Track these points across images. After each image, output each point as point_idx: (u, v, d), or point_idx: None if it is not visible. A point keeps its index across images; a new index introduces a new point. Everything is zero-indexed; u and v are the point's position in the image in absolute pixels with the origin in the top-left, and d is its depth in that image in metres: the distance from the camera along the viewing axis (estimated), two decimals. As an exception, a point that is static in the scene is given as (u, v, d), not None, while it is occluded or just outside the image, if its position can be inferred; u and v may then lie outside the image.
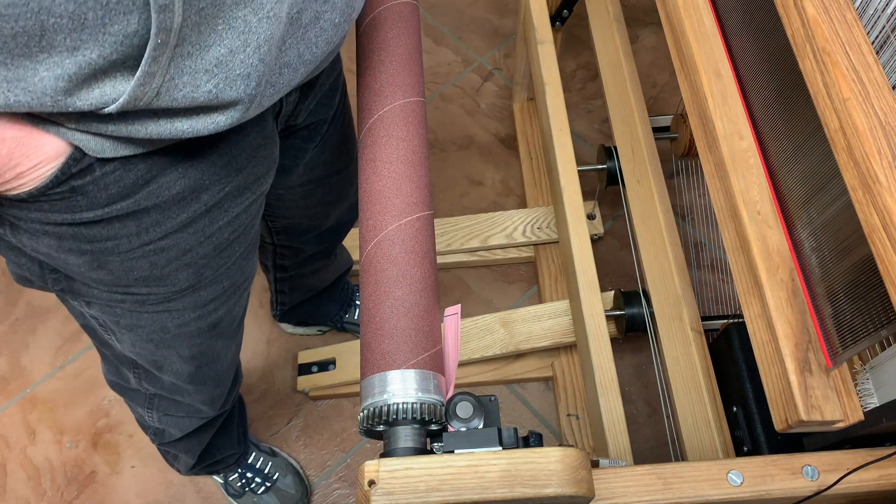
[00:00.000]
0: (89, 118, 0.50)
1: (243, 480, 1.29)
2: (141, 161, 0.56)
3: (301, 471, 1.34)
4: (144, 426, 1.08)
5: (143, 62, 0.45)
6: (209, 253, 0.68)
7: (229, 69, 0.49)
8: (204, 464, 1.18)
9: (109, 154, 0.53)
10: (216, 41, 0.48)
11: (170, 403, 0.96)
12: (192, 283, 0.70)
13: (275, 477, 1.30)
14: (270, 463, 1.31)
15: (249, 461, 1.29)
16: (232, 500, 1.32)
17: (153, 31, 0.44)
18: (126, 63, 0.46)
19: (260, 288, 1.51)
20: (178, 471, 1.24)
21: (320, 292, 1.32)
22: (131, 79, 0.47)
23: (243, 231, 0.71)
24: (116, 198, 0.57)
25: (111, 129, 0.51)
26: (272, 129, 0.70)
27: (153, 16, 0.43)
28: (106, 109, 0.48)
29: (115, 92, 0.47)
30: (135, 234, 0.61)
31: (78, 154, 0.52)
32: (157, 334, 0.75)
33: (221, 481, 1.31)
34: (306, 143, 0.85)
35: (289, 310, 1.35)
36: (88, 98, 0.47)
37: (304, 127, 0.82)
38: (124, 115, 0.50)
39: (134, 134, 0.52)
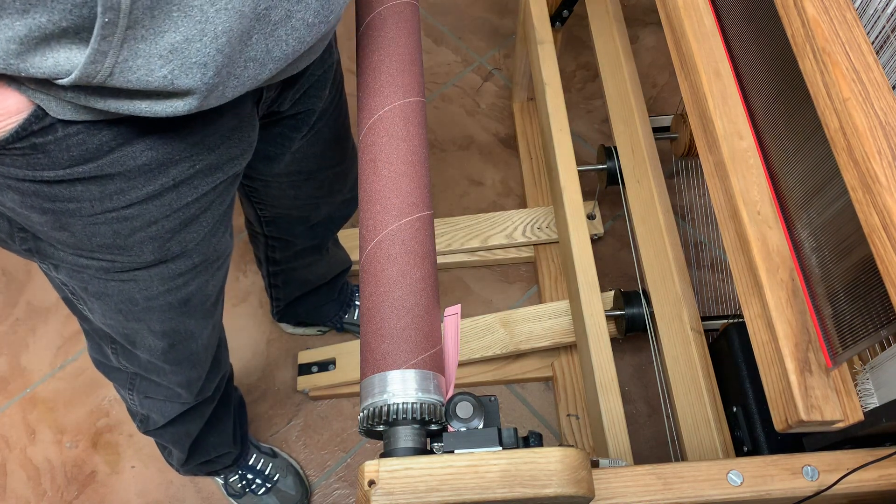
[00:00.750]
0: (48, 83, 0.51)
1: (244, 482, 1.29)
2: (106, 128, 0.56)
3: (301, 472, 1.34)
4: (132, 413, 1.08)
5: (92, 40, 0.47)
6: (175, 227, 0.69)
7: (185, 57, 0.50)
8: (198, 461, 1.18)
9: (70, 117, 0.54)
10: (171, 27, 0.48)
11: (149, 385, 0.95)
12: (158, 257, 0.71)
13: (275, 478, 1.30)
14: (271, 464, 1.30)
15: (250, 462, 1.29)
16: (232, 501, 1.32)
17: (99, 9, 0.45)
18: (79, 35, 0.47)
19: (260, 288, 1.51)
20: (177, 470, 1.24)
21: (317, 289, 1.32)
22: (83, 49, 0.48)
23: (211, 207, 0.71)
24: (79, 160, 0.57)
25: (69, 95, 0.52)
26: (251, 113, 0.70)
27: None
28: (59, 81, 0.49)
29: (69, 64, 0.48)
30: (98, 200, 0.61)
31: (40, 112, 0.53)
32: (126, 305, 0.76)
33: (222, 482, 1.31)
34: (293, 132, 0.85)
35: (286, 307, 1.35)
36: (41, 66, 0.48)
37: (291, 115, 0.83)
38: (81, 86, 0.51)
39: (92, 104, 0.53)
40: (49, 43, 0.47)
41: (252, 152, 0.74)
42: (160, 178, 0.63)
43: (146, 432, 1.08)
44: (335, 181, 1.02)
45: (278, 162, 0.90)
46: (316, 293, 1.33)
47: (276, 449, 1.35)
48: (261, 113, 0.75)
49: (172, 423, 1.04)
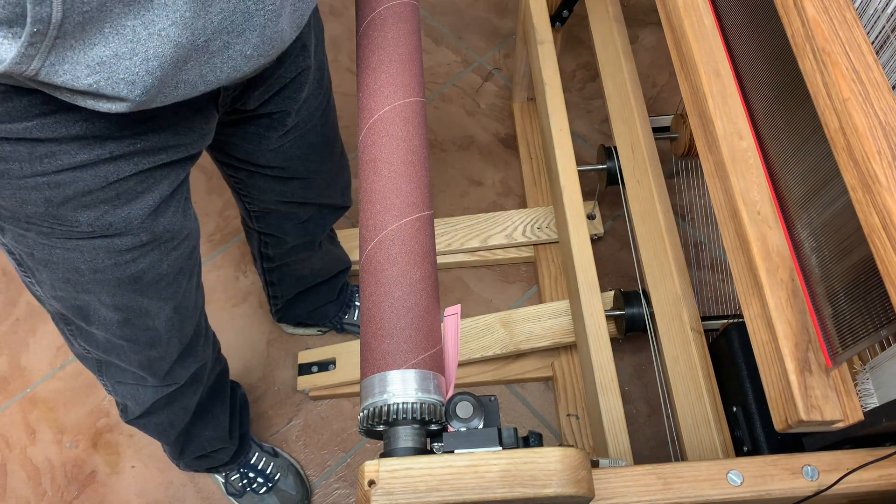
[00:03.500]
0: None
1: (245, 480, 1.29)
2: (38, 91, 0.57)
3: (302, 472, 1.34)
4: (115, 401, 1.07)
5: (19, 44, 0.48)
6: (112, 199, 0.68)
7: (112, 71, 0.52)
8: (194, 455, 1.18)
9: None
10: (101, 42, 0.50)
11: (115, 369, 0.94)
12: (98, 230, 0.70)
13: (276, 477, 1.30)
14: (272, 463, 1.30)
15: (252, 461, 1.29)
16: (232, 500, 1.32)
17: (28, 19, 0.46)
18: (12, 28, 0.48)
19: (260, 288, 1.51)
20: (176, 465, 1.24)
21: (315, 287, 1.32)
22: (14, 44, 0.49)
23: (157, 186, 0.71)
24: (5, 118, 0.58)
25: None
26: (208, 108, 0.72)
27: (28, 6, 0.46)
28: None
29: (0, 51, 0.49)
30: (27, 161, 0.61)
31: None
32: (72, 274, 0.75)
33: (222, 480, 1.31)
34: (268, 131, 0.86)
35: (285, 307, 1.35)
36: None
37: (265, 115, 0.83)
38: None
39: (22, 84, 0.54)
40: None
41: (206, 142, 0.75)
42: (95, 148, 0.63)
43: (128, 422, 1.07)
44: (324, 186, 1.03)
45: (257, 157, 0.91)
46: (314, 292, 1.33)
47: (278, 449, 1.35)
48: (223, 109, 0.76)
49: (151, 413, 1.03)
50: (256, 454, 1.30)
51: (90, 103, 0.55)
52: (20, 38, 0.48)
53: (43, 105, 0.58)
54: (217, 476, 1.32)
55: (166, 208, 0.75)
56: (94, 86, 0.52)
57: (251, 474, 1.29)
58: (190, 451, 1.17)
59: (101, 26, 0.49)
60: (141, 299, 0.82)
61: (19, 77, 0.51)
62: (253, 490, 1.30)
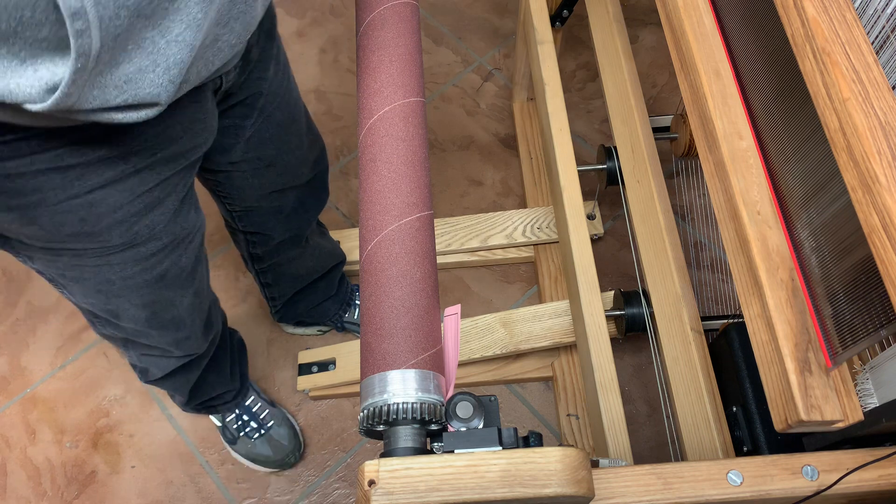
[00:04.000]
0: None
1: (239, 422, 1.33)
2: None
3: (297, 428, 1.37)
4: (132, 365, 1.13)
5: (62, 84, 0.48)
6: (141, 210, 0.71)
7: (138, 87, 0.53)
8: (198, 400, 1.24)
9: (29, 123, 0.56)
10: (125, 60, 0.51)
11: (140, 346, 1.00)
12: (128, 240, 0.73)
13: (269, 425, 1.33)
14: (268, 410, 1.35)
15: (247, 403, 1.33)
16: (228, 447, 1.36)
17: (72, 55, 0.46)
18: (59, 51, 0.48)
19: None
20: (181, 408, 1.30)
21: (312, 284, 1.32)
22: (58, 78, 0.49)
23: (176, 190, 0.75)
24: (38, 150, 0.59)
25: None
26: (211, 103, 0.74)
27: (71, 41, 0.45)
28: (28, 106, 0.50)
29: (39, 96, 0.49)
30: (60, 188, 0.63)
31: None
32: (104, 286, 0.79)
33: (219, 424, 1.35)
34: (243, 119, 0.87)
35: (284, 307, 1.36)
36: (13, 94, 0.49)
37: (241, 102, 0.85)
38: None
39: (54, 125, 0.56)
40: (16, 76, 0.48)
41: (213, 137, 0.78)
42: (120, 164, 0.65)
43: (147, 382, 1.13)
44: (298, 165, 1.04)
45: (234, 151, 0.92)
46: (312, 289, 1.33)
47: (277, 403, 1.39)
48: (218, 100, 0.78)
49: (170, 376, 1.10)
50: (253, 398, 1.34)
51: (118, 117, 0.55)
52: (63, 76, 0.48)
53: (71, 134, 0.60)
54: (214, 419, 1.36)
55: (182, 208, 0.78)
56: (123, 104, 0.53)
57: (245, 417, 1.33)
58: (198, 397, 1.23)
59: (126, 44, 0.50)
60: (166, 293, 0.86)
61: (55, 112, 0.51)
62: (246, 434, 1.33)
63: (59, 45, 0.48)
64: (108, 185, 0.66)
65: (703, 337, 1.01)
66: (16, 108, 0.51)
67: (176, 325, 0.95)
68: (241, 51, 0.68)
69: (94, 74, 0.50)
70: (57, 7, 0.45)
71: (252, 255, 1.21)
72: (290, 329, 1.47)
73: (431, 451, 0.55)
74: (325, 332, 1.47)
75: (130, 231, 0.72)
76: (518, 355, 1.36)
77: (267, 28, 0.83)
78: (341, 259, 1.37)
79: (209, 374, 1.19)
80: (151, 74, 0.53)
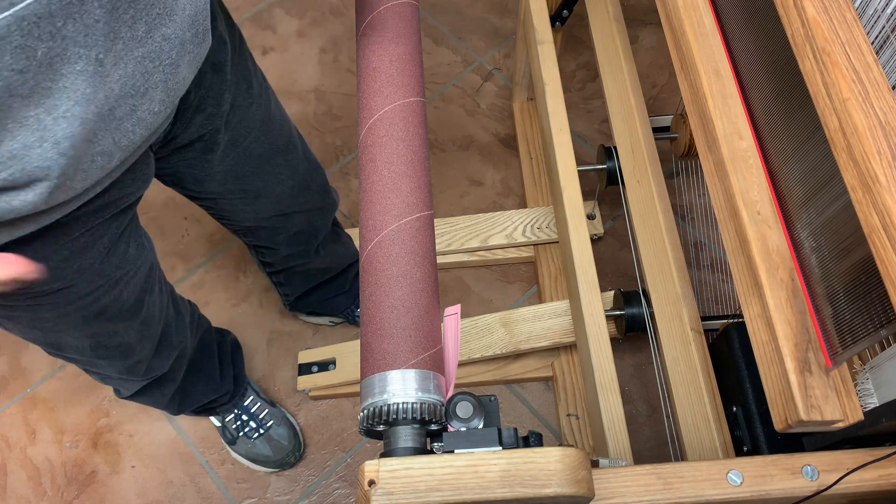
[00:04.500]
0: None
1: (238, 423, 1.33)
2: None
3: (297, 427, 1.37)
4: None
5: None
6: (67, 256, 0.69)
7: (25, 162, 0.51)
8: (190, 408, 1.23)
9: None
10: (7, 137, 0.49)
11: (97, 374, 0.99)
12: (57, 285, 0.71)
13: (268, 425, 1.33)
14: (267, 410, 1.34)
15: (246, 403, 1.33)
16: (227, 447, 1.35)
17: None
18: None
19: (260, 288, 1.51)
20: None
21: (326, 282, 1.33)
22: None
23: (107, 234, 0.72)
24: None
25: None
26: (145, 154, 0.72)
27: None
28: None
29: None
30: None
31: None
32: (38, 322, 0.77)
33: (219, 424, 1.35)
34: (207, 153, 0.84)
35: (296, 300, 1.37)
36: None
37: (195, 140, 0.81)
38: None
39: None
40: None
41: (149, 182, 0.75)
42: (44, 219, 0.62)
43: (122, 398, 1.12)
44: (297, 194, 1.01)
45: (208, 182, 0.89)
46: (324, 287, 1.34)
47: (277, 403, 1.39)
48: (155, 147, 0.76)
49: (143, 393, 1.08)
50: (252, 397, 1.34)
51: (6, 200, 0.54)
52: None
53: None
54: (214, 419, 1.36)
55: (117, 249, 0.75)
56: (10, 179, 0.52)
57: (244, 417, 1.32)
58: (186, 406, 1.22)
59: (4, 123, 0.49)
60: (108, 326, 0.84)
61: None
62: (245, 435, 1.33)
63: None
64: (30, 237, 0.63)
65: (703, 337, 1.01)
66: None
67: (124, 353, 0.92)
68: (172, 112, 0.66)
69: None
70: None
71: (262, 262, 1.21)
72: (304, 317, 1.48)
73: (431, 451, 0.55)
74: (336, 323, 1.48)
75: (58, 275, 0.70)
76: (518, 355, 1.36)
77: (216, 62, 0.78)
78: (356, 258, 1.37)
79: (196, 384, 1.18)
80: (38, 149, 0.51)
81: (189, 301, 1.11)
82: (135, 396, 1.09)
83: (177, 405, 1.19)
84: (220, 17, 0.78)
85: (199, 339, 1.14)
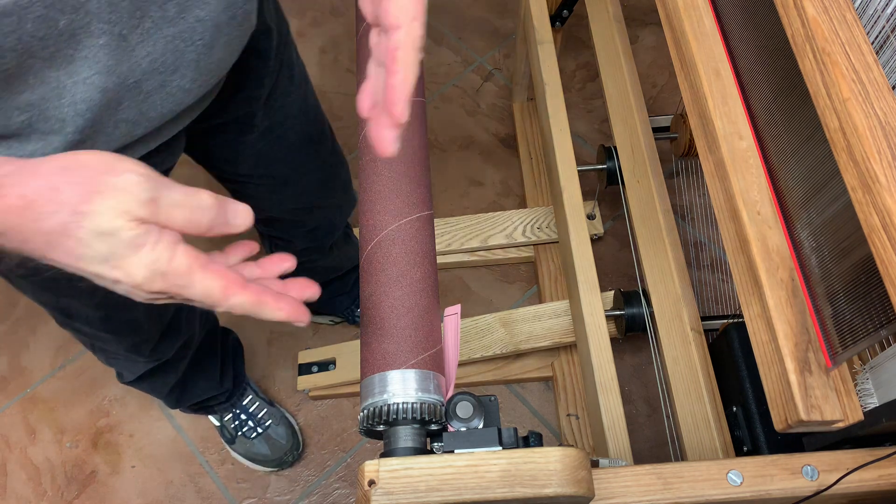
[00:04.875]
0: None
1: (237, 422, 1.33)
2: None
3: (296, 427, 1.37)
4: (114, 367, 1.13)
5: None
6: None
7: (42, 110, 0.53)
8: (188, 403, 1.24)
9: None
10: (27, 90, 0.51)
11: (102, 350, 0.99)
12: None
13: (267, 424, 1.33)
14: (265, 410, 1.35)
15: (245, 403, 1.33)
16: (227, 446, 1.36)
17: None
18: None
19: (260, 288, 1.51)
20: (177, 409, 1.31)
21: (330, 281, 1.33)
22: None
23: None
24: None
25: None
26: (178, 133, 0.73)
27: None
28: None
29: None
30: None
31: None
32: (50, 283, 0.77)
33: (217, 423, 1.35)
34: (240, 135, 0.86)
35: None
36: None
37: (230, 121, 0.83)
38: None
39: None
40: None
41: (177, 156, 0.77)
42: None
43: (124, 383, 1.13)
44: (320, 188, 1.03)
45: (239, 163, 0.91)
46: (328, 287, 1.34)
47: (276, 402, 1.39)
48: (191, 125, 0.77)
49: (144, 378, 1.08)
50: (251, 397, 1.34)
51: (19, 145, 0.55)
52: None
53: None
54: (213, 418, 1.36)
55: None
56: (26, 122, 0.53)
57: (243, 416, 1.33)
58: (185, 401, 1.22)
59: (25, 78, 0.50)
60: (119, 297, 0.83)
61: None
62: (244, 434, 1.33)
63: None
64: None
65: (703, 337, 1.01)
66: None
67: (132, 329, 0.92)
68: (207, 91, 0.67)
69: None
70: None
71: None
72: None
73: (431, 451, 0.55)
74: (336, 322, 1.48)
75: None
76: (518, 355, 1.36)
77: (260, 49, 0.80)
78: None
79: (196, 380, 1.18)
80: (56, 103, 0.53)
81: None
82: (137, 381, 1.10)
83: (175, 398, 1.19)
84: (270, 7, 0.80)
85: (206, 334, 1.15)
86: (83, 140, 0.57)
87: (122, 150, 0.64)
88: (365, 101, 0.50)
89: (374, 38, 0.53)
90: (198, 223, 0.43)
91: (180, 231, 0.42)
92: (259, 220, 1.09)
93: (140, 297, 0.43)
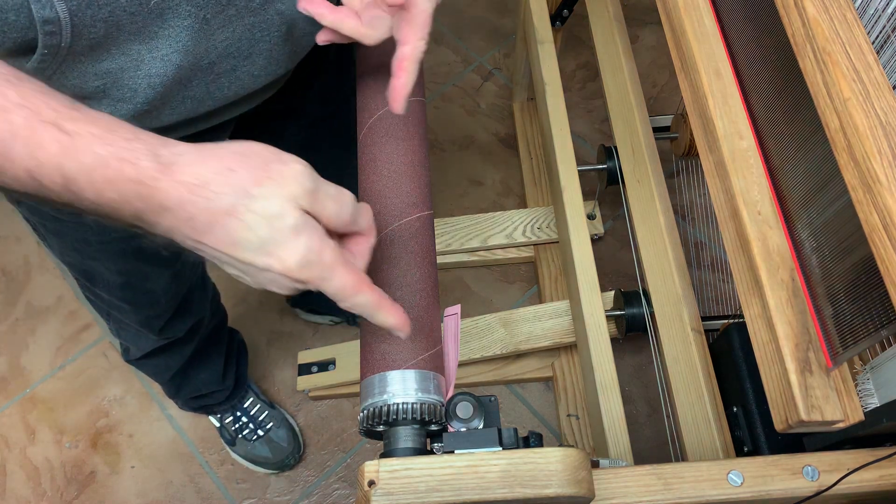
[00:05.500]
0: None
1: (237, 424, 1.33)
2: None
3: (297, 429, 1.37)
4: (120, 344, 1.16)
5: (30, 61, 0.51)
6: None
7: (117, 79, 0.55)
8: (189, 395, 1.25)
9: None
10: (108, 58, 0.54)
11: (117, 319, 1.02)
12: None
13: (268, 426, 1.34)
14: (266, 412, 1.35)
15: (245, 405, 1.34)
16: (227, 447, 1.36)
17: (39, 47, 0.50)
18: (23, 55, 0.51)
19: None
20: (175, 403, 1.32)
21: None
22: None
23: None
24: None
25: None
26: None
27: (39, 37, 0.49)
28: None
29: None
30: None
31: None
32: (80, 245, 0.80)
33: (217, 424, 1.35)
34: (284, 118, 0.89)
35: (300, 295, 1.37)
36: None
37: (277, 110, 0.85)
38: None
39: None
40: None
41: (225, 138, 0.78)
42: None
43: (128, 361, 1.15)
44: (352, 187, 1.03)
45: (277, 143, 0.92)
46: None
47: (277, 404, 1.39)
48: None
49: (150, 357, 1.10)
50: (251, 399, 1.34)
51: (94, 106, 0.56)
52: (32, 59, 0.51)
53: None
54: (213, 419, 1.36)
55: None
56: (101, 88, 0.56)
57: (244, 418, 1.33)
58: (185, 392, 1.23)
59: (109, 48, 0.53)
60: (143, 266, 0.87)
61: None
62: (244, 437, 1.33)
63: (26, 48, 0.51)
64: None
65: (704, 337, 1.01)
66: None
67: (150, 302, 0.95)
68: (273, 81, 0.70)
69: (71, 62, 0.52)
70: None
71: None
72: (304, 315, 1.49)
73: (431, 452, 0.55)
74: (337, 322, 1.48)
75: None
76: (518, 355, 1.36)
77: (331, 58, 0.84)
78: None
79: (199, 370, 1.19)
80: (132, 74, 0.55)
81: (214, 285, 1.14)
82: (142, 360, 1.11)
83: (176, 385, 1.20)
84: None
85: (215, 325, 1.16)
86: (150, 111, 0.59)
87: (180, 124, 0.66)
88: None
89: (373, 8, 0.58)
90: (343, 218, 0.46)
91: (326, 223, 0.45)
92: None
93: (284, 285, 0.45)
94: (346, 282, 0.45)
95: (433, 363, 0.56)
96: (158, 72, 0.56)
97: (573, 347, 1.35)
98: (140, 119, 0.60)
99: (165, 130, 0.66)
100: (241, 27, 0.60)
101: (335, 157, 0.97)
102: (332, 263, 0.45)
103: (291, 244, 0.43)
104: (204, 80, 0.61)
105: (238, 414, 1.33)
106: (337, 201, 0.46)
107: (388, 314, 0.48)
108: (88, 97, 0.56)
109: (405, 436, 0.54)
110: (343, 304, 0.47)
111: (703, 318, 1.05)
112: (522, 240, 1.47)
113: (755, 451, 0.89)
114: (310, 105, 0.88)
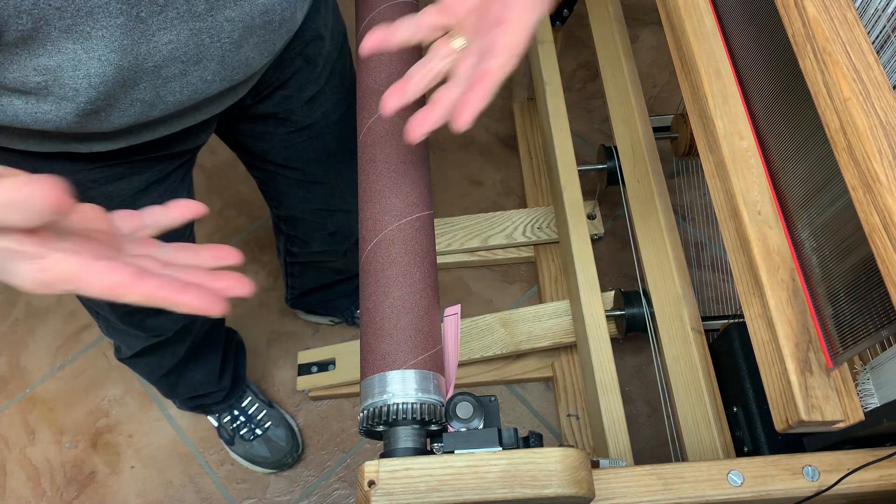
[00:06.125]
0: None
1: (235, 424, 1.33)
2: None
3: (296, 429, 1.37)
4: (112, 342, 1.15)
5: None
6: (97, 179, 0.74)
7: (58, 76, 0.56)
8: (185, 396, 1.25)
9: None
10: (44, 54, 0.54)
11: (105, 319, 1.01)
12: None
13: (266, 426, 1.34)
14: (265, 412, 1.35)
15: (243, 405, 1.34)
16: (226, 447, 1.36)
17: None
18: None
19: (260, 288, 1.51)
20: (173, 402, 1.32)
21: (332, 284, 1.33)
22: None
23: (141, 172, 0.77)
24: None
25: None
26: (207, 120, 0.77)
27: None
28: None
29: None
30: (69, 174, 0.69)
31: None
32: None
33: (216, 423, 1.35)
34: (276, 128, 0.88)
35: (300, 296, 1.37)
36: None
37: (267, 115, 0.86)
38: None
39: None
40: None
41: (203, 141, 0.80)
42: (95, 145, 0.68)
43: (120, 360, 1.14)
44: (347, 193, 1.04)
45: (272, 154, 0.92)
46: (332, 288, 1.35)
47: (276, 404, 1.39)
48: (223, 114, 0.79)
49: (141, 355, 1.10)
50: (249, 399, 1.34)
51: (34, 104, 0.58)
52: None
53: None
54: (211, 419, 1.36)
55: (152, 190, 0.79)
56: (43, 84, 0.56)
57: (242, 418, 1.33)
58: (181, 392, 1.23)
59: (43, 43, 0.53)
60: None
61: None
62: (242, 437, 1.33)
63: None
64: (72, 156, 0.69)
65: (704, 337, 1.01)
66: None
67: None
68: (232, 87, 0.70)
69: (7, 53, 0.53)
70: None
71: (287, 251, 1.23)
72: (303, 316, 1.49)
73: (431, 452, 0.55)
74: (336, 322, 1.48)
75: (85, 196, 0.73)
76: (518, 355, 1.36)
77: (309, 55, 0.82)
78: None
79: (194, 370, 1.19)
80: (72, 73, 0.56)
81: None
82: (134, 359, 1.11)
83: (171, 386, 1.20)
84: (327, 16, 0.83)
85: (211, 325, 1.16)
86: (96, 111, 0.60)
87: (141, 127, 0.67)
88: (394, 102, 0.53)
89: (441, 43, 0.56)
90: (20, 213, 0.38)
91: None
92: (282, 218, 1.11)
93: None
94: (104, 283, 0.41)
95: (433, 363, 0.56)
96: (97, 72, 0.56)
97: (573, 347, 1.35)
98: (88, 119, 0.61)
99: (125, 133, 0.67)
100: (186, 31, 0.59)
101: (330, 166, 0.96)
102: (70, 277, 0.40)
103: (13, 268, 0.39)
104: (151, 83, 0.61)
105: (236, 413, 1.33)
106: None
107: (178, 303, 0.43)
108: (33, 93, 0.57)
109: (405, 436, 0.54)
110: (123, 301, 0.42)
111: (703, 318, 1.05)
112: (522, 240, 1.47)
113: (755, 452, 0.89)
114: (297, 114, 0.87)
